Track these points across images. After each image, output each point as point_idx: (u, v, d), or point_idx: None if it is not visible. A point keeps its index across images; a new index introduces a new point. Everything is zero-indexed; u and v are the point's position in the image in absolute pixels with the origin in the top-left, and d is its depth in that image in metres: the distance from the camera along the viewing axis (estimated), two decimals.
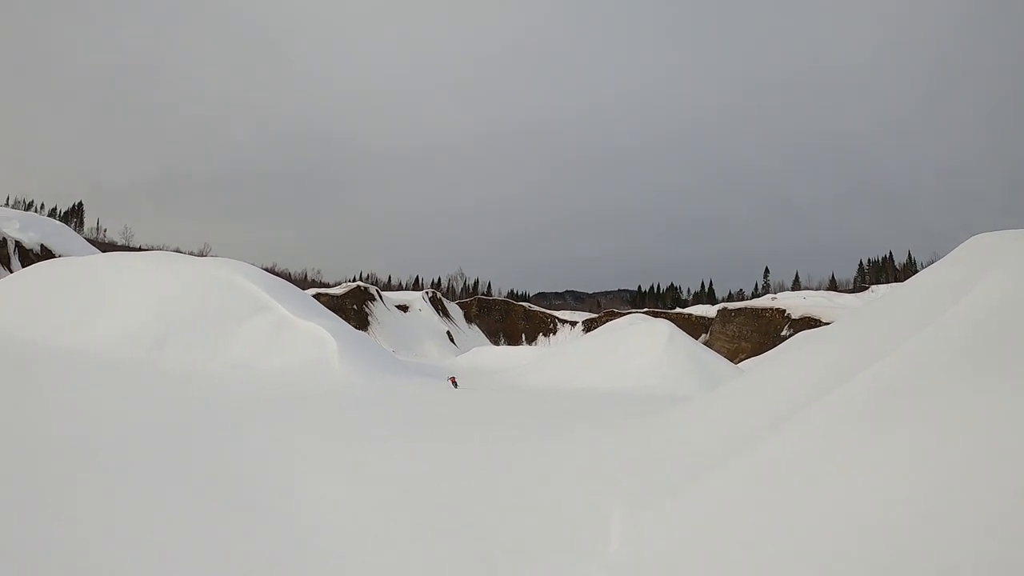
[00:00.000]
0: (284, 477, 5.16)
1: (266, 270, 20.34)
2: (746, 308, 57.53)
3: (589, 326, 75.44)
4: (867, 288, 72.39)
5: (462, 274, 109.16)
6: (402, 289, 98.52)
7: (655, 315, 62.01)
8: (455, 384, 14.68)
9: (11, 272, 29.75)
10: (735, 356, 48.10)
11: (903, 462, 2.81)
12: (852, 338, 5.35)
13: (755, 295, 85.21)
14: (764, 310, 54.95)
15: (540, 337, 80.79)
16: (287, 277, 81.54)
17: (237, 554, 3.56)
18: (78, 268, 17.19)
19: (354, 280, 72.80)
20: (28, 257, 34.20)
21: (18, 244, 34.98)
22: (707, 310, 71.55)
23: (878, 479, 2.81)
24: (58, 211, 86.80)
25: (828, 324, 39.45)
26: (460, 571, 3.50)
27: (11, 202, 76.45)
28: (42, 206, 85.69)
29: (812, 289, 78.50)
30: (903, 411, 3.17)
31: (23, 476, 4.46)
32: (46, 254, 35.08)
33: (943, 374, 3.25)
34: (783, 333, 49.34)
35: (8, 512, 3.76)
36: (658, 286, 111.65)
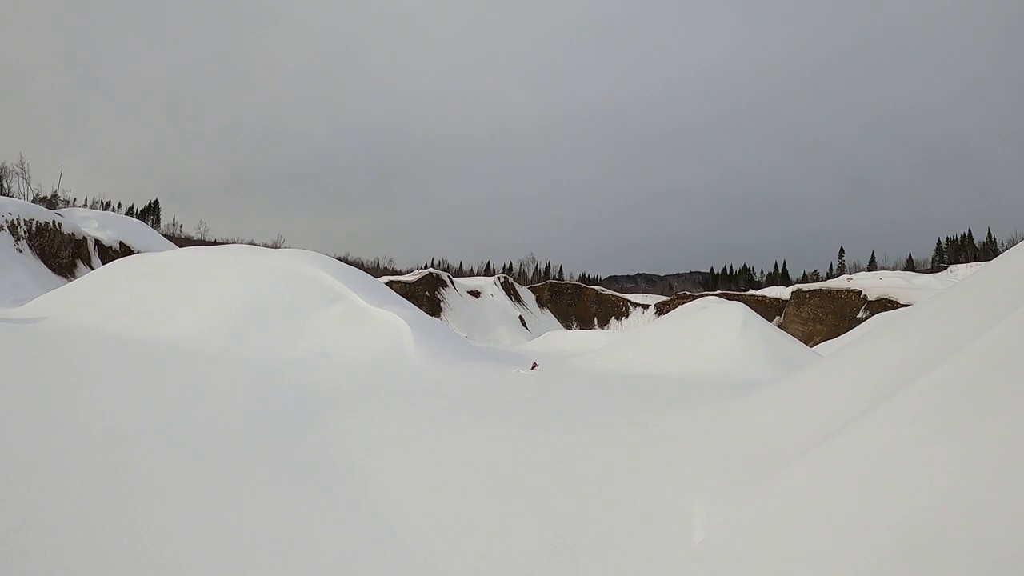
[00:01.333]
0: (363, 465, 5.21)
1: (339, 259, 20.25)
2: (821, 290, 55.58)
3: (661, 309, 73.84)
4: (945, 268, 68.78)
5: (533, 259, 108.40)
6: (474, 275, 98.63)
7: (728, 297, 60.37)
8: (534, 367, 14.44)
9: (92, 269, 30.80)
10: (810, 339, 46.55)
11: (1013, 453, 2.51)
12: (940, 320, 5.14)
13: (830, 276, 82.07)
14: (840, 291, 53.07)
15: (612, 321, 79.22)
16: (360, 266, 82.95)
17: (325, 542, 3.64)
18: (157, 263, 17.44)
19: (426, 267, 73.27)
20: (108, 254, 35.36)
21: (98, 242, 36.18)
22: (781, 292, 68.87)
23: (985, 472, 2.53)
24: (135, 209, 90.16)
25: (906, 306, 37.78)
26: (544, 560, 3.53)
27: (90, 203, 79.76)
28: (119, 205, 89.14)
29: (889, 269, 74.71)
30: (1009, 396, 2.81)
31: (129, 466, 4.57)
32: (125, 251, 36.20)
33: None
34: (859, 315, 47.72)
35: (121, 504, 3.88)
36: (731, 268, 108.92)
